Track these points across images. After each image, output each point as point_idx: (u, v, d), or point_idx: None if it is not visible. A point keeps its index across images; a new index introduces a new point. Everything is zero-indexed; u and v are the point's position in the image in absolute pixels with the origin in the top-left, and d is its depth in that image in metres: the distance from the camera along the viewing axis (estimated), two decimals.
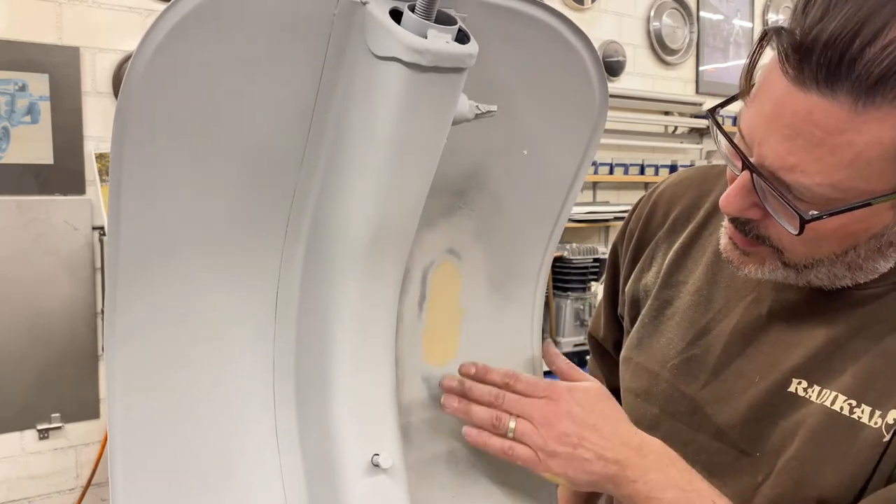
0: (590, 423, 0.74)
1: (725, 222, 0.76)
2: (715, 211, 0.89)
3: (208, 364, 0.68)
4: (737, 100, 0.72)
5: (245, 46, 0.61)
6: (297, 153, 0.68)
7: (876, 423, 0.68)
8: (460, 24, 0.64)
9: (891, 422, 0.68)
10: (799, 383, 0.74)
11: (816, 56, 0.60)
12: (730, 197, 0.69)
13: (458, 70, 0.63)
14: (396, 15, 0.63)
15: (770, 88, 0.65)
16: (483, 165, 0.78)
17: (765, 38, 0.66)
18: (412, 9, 0.62)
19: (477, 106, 0.68)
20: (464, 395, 0.77)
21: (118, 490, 0.63)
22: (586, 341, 1.10)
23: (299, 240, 0.71)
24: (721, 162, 0.80)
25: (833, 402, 0.71)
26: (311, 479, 0.71)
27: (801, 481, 0.71)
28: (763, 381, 0.76)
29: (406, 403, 0.78)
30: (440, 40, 0.61)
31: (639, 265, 0.95)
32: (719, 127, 0.72)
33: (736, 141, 0.69)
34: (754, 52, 0.68)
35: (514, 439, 0.75)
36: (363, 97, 0.65)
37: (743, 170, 0.68)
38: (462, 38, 0.64)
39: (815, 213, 0.64)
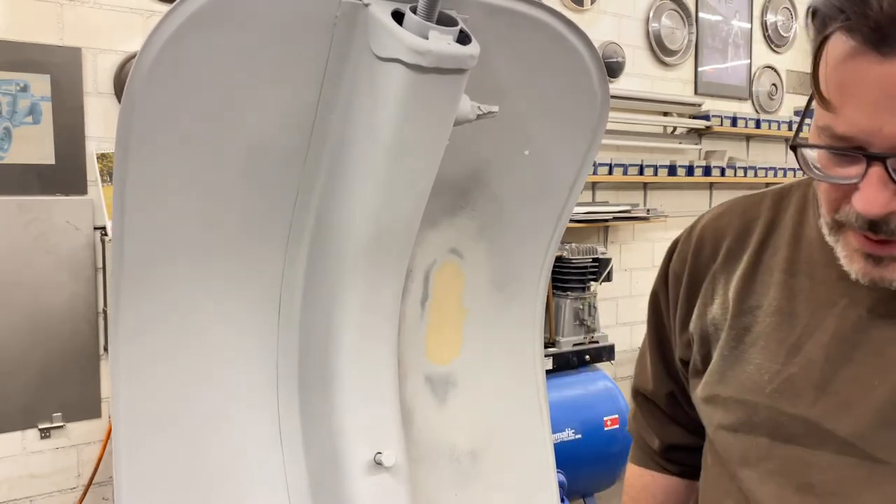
0: None
1: (852, 245, 0.73)
2: (770, 232, 0.87)
3: (212, 363, 0.69)
4: (808, 115, 0.71)
5: (248, 48, 0.61)
6: (299, 154, 0.69)
7: None
8: (462, 25, 0.65)
9: None
10: None
11: None
12: (869, 198, 0.66)
13: (460, 71, 0.63)
14: (398, 16, 0.64)
15: (859, 81, 0.64)
16: (485, 166, 0.78)
17: (826, 41, 0.65)
18: (414, 10, 0.63)
19: (479, 107, 0.68)
20: None
21: (123, 486, 0.63)
22: (586, 341, 1.07)
23: (302, 240, 0.71)
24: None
25: None
26: (315, 476, 0.72)
27: None
28: (884, 383, 0.74)
29: (409, 402, 0.78)
30: (442, 41, 0.62)
31: (699, 302, 0.92)
32: (816, 146, 0.70)
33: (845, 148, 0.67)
34: (816, 58, 0.67)
35: None
36: (365, 98, 0.65)
37: (868, 168, 0.66)
38: (464, 39, 0.65)
39: None
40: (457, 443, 0.81)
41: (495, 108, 0.69)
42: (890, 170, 0.65)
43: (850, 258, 0.74)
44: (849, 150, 0.66)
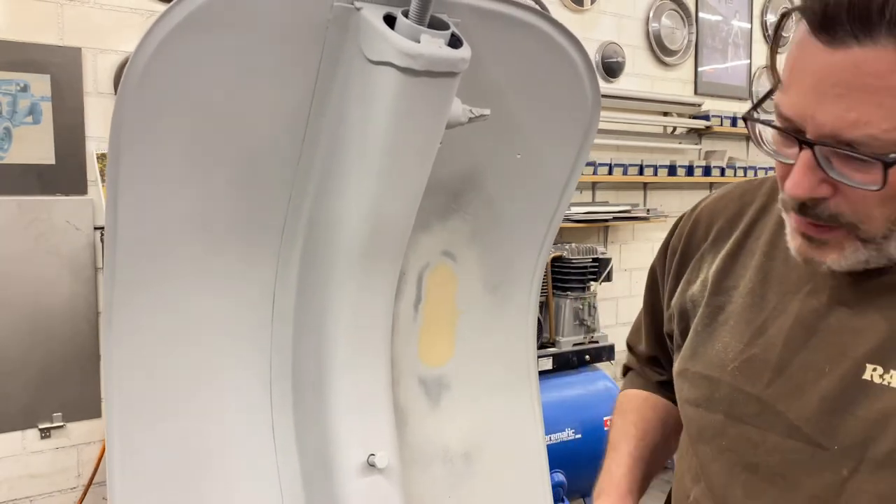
0: None
1: (790, 223, 0.75)
2: (759, 217, 0.89)
3: (205, 363, 0.69)
4: (772, 94, 0.72)
5: (241, 50, 0.62)
6: (293, 155, 0.69)
7: None
8: (453, 28, 0.65)
9: None
10: (874, 370, 0.72)
11: (846, 14, 0.62)
12: (796, 180, 0.68)
13: (451, 74, 0.64)
14: (390, 20, 0.64)
15: (806, 62, 0.66)
16: (477, 168, 0.79)
17: (783, 22, 0.68)
18: (406, 14, 0.63)
19: (470, 110, 0.69)
20: None
21: (116, 487, 0.64)
22: (585, 341, 1.09)
23: (295, 241, 0.71)
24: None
25: None
26: (308, 478, 0.72)
27: (887, 464, 0.69)
28: (833, 370, 0.75)
29: (402, 403, 0.78)
30: (433, 45, 0.62)
31: (684, 278, 0.95)
32: (762, 122, 0.72)
33: (783, 127, 0.69)
34: (774, 39, 0.70)
35: None
36: (358, 101, 0.65)
37: (801, 151, 0.68)
38: (455, 42, 0.65)
39: (895, 155, 0.63)
40: (450, 444, 0.81)
41: (487, 111, 0.69)
42: (818, 157, 0.67)
43: (791, 235, 0.76)
44: (789, 130, 0.68)
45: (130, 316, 0.65)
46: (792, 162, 0.69)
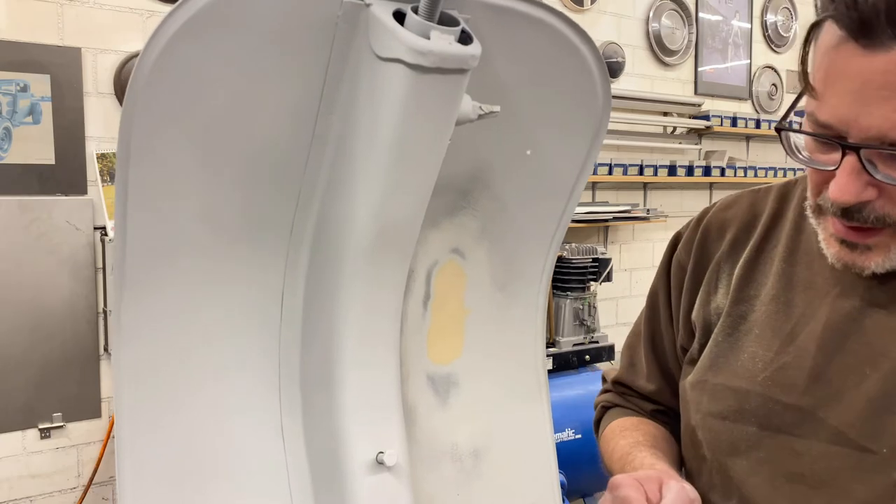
0: None
1: (829, 229, 0.74)
2: (773, 225, 0.88)
3: (214, 363, 0.69)
4: (798, 101, 0.72)
5: (249, 49, 0.61)
6: (301, 154, 0.69)
7: None
8: (463, 25, 0.65)
9: None
10: None
11: (885, 16, 0.62)
12: (841, 185, 0.68)
13: (461, 71, 0.63)
14: (400, 17, 0.64)
15: (845, 69, 0.65)
16: (486, 166, 0.78)
17: (813, 31, 0.67)
18: (415, 10, 0.63)
19: (480, 106, 0.68)
20: None
21: (126, 486, 0.63)
22: (585, 341, 1.06)
23: (304, 240, 0.71)
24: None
25: None
26: (317, 476, 0.72)
27: None
28: (875, 372, 0.74)
29: (411, 401, 0.78)
30: (443, 41, 0.62)
31: (702, 290, 0.92)
32: (799, 130, 0.71)
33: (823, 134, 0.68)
34: (804, 48, 0.69)
35: None
36: (367, 98, 0.65)
37: (843, 157, 0.67)
38: (465, 39, 0.65)
39: None
40: (459, 442, 0.81)
41: (497, 108, 0.69)
42: (864, 160, 0.66)
43: (827, 242, 0.75)
44: (829, 137, 0.68)
45: (140, 318, 0.65)
46: (829, 168, 0.69)
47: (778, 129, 0.73)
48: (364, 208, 0.69)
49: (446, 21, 0.64)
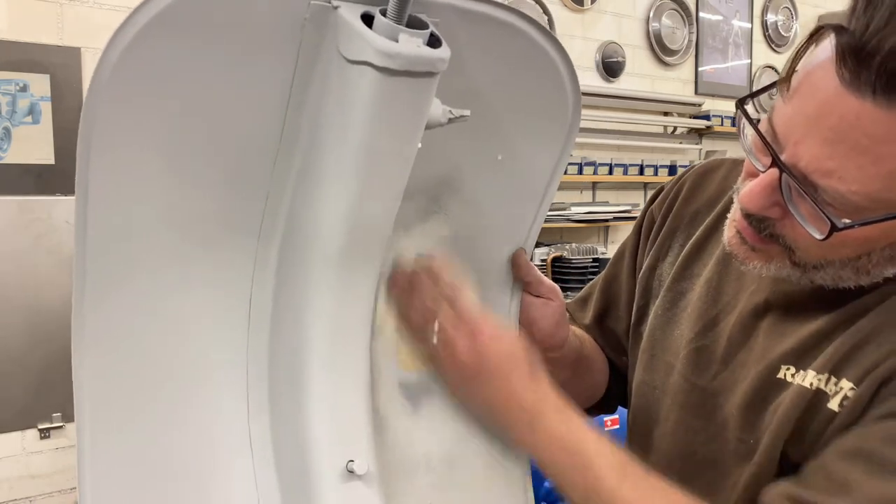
0: (494, 385, 0.75)
1: (734, 215, 0.75)
2: (730, 207, 0.89)
3: (179, 370, 0.68)
4: (771, 89, 0.71)
5: (214, 50, 0.60)
6: (269, 156, 0.68)
7: (832, 391, 0.70)
8: (432, 28, 0.64)
9: (844, 389, 0.69)
10: (787, 369, 0.75)
11: (878, 63, 0.57)
12: (752, 194, 0.67)
13: (430, 74, 0.62)
14: (368, 19, 0.63)
15: (816, 87, 0.62)
16: (457, 170, 0.78)
17: (818, 32, 0.64)
18: (384, 13, 0.62)
19: (450, 110, 0.68)
20: (411, 287, 0.77)
21: (87, 496, 0.63)
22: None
23: (273, 243, 0.70)
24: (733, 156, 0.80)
25: (804, 380, 0.72)
26: (286, 486, 0.71)
27: (773, 456, 0.73)
28: (756, 369, 0.77)
29: (381, 409, 0.77)
30: (411, 44, 0.61)
31: (652, 254, 0.95)
32: (749, 119, 0.69)
33: (766, 136, 0.67)
34: (803, 44, 0.66)
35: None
36: (335, 101, 0.64)
37: (770, 167, 0.66)
38: (434, 42, 0.64)
39: (848, 221, 0.62)
40: (431, 450, 0.80)
41: (467, 112, 0.68)
42: (783, 182, 0.65)
43: (728, 226, 0.77)
44: (768, 143, 0.66)
45: (102, 320, 0.64)
46: (759, 169, 0.69)
47: (739, 103, 0.72)
48: (334, 211, 0.68)
49: (415, 24, 0.63)
